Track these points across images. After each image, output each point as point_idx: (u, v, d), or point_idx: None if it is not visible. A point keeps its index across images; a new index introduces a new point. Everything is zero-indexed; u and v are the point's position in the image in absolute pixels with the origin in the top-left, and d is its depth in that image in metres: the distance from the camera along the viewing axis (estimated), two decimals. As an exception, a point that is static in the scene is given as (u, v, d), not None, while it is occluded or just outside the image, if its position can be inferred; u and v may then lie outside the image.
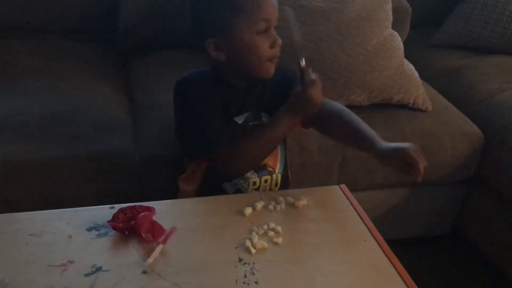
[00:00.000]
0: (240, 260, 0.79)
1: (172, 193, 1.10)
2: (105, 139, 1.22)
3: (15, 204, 1.14)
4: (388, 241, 0.86)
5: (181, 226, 0.84)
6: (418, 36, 1.81)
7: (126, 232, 0.82)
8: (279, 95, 1.04)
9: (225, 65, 0.99)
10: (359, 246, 0.85)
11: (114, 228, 0.82)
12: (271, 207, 0.91)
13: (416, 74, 1.47)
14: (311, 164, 1.33)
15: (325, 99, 1.03)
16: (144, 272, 0.76)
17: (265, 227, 0.86)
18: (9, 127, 1.22)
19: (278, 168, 1.07)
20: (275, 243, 0.83)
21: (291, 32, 0.96)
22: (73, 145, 1.19)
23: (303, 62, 0.97)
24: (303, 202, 0.93)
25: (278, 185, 1.08)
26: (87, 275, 0.75)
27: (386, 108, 1.42)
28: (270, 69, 0.99)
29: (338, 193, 0.97)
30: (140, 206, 0.86)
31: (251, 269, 0.78)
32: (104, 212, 0.86)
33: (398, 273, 0.80)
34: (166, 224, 0.83)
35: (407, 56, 1.48)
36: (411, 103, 1.43)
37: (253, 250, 0.81)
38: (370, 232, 0.88)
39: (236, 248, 0.81)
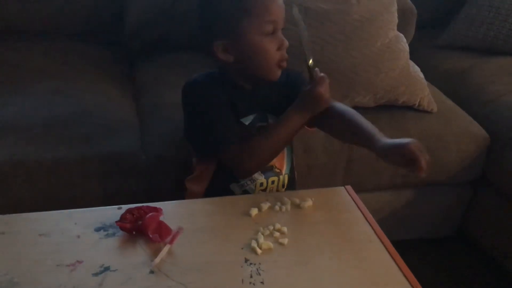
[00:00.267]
0: (246, 260, 0.80)
1: (179, 194, 1.11)
2: (113, 140, 1.23)
3: (24, 204, 1.15)
4: (394, 242, 0.86)
5: (187, 227, 0.84)
6: (424, 38, 1.81)
7: (134, 233, 0.83)
8: (285, 96, 1.05)
9: (232, 66, 1.00)
10: (365, 247, 0.85)
11: (121, 228, 0.83)
12: (277, 208, 0.92)
13: (422, 75, 1.47)
14: (317, 166, 1.33)
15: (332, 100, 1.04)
16: (151, 271, 0.76)
17: (271, 228, 0.86)
18: (18, 128, 1.23)
19: (284, 169, 1.08)
20: (281, 244, 0.83)
21: (299, 31, 0.97)
22: (81, 146, 1.21)
23: (310, 61, 0.98)
24: (308, 203, 0.93)
25: (285, 186, 1.08)
26: (95, 274, 0.75)
27: (391, 109, 1.42)
28: (277, 71, 1.00)
29: (343, 194, 0.98)
30: (147, 206, 0.86)
31: (257, 269, 0.78)
32: (112, 212, 0.87)
33: (404, 274, 0.80)
34: (173, 225, 0.83)
35: (413, 57, 1.48)
36: (417, 104, 1.43)
37: (259, 251, 0.81)
38: (376, 233, 0.88)
39: (242, 248, 0.82)
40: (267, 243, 0.83)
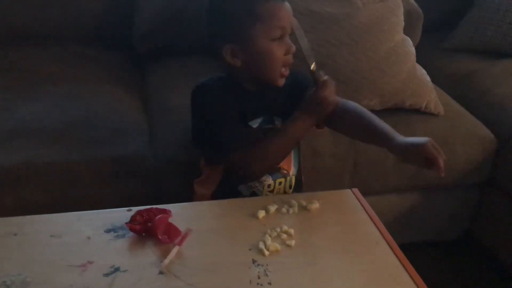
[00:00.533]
0: (254, 261, 0.81)
1: (188, 196, 1.12)
2: (122, 143, 1.25)
3: (36, 206, 1.16)
4: (401, 245, 0.87)
5: (196, 228, 0.85)
6: (430, 41, 1.81)
7: (143, 234, 0.84)
8: (292, 98, 1.06)
9: (240, 71, 1.01)
10: (371, 249, 0.86)
11: (131, 230, 0.84)
12: (284, 210, 0.92)
13: (428, 78, 1.48)
14: (324, 169, 1.34)
15: (340, 98, 1.05)
16: (161, 272, 0.77)
17: (278, 229, 0.87)
18: (30, 132, 1.25)
19: (292, 171, 1.09)
20: (288, 246, 0.84)
21: (298, 37, 0.98)
22: (91, 149, 1.22)
23: (313, 66, 0.99)
24: (315, 205, 0.94)
25: (292, 188, 1.09)
26: (105, 275, 0.77)
27: (398, 112, 1.42)
28: (284, 75, 1.01)
29: (350, 197, 0.98)
30: (156, 208, 0.88)
31: (265, 270, 0.79)
32: (122, 214, 0.88)
33: (410, 276, 0.80)
34: (181, 226, 0.84)
35: (419, 60, 1.49)
36: (423, 107, 1.44)
37: (266, 252, 0.82)
38: (382, 235, 0.88)
39: (249, 250, 0.83)
40: (275, 245, 0.83)
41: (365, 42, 1.38)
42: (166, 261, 0.79)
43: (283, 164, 1.07)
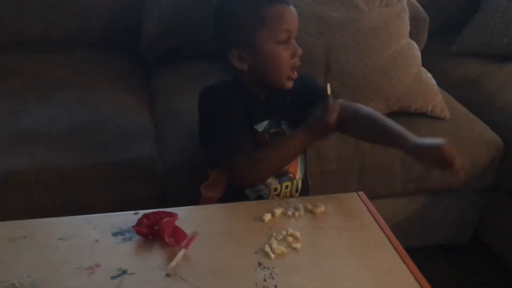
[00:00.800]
0: (260, 264, 0.81)
1: (195, 200, 1.12)
2: (129, 147, 1.26)
3: (44, 210, 1.18)
4: (408, 249, 0.86)
5: (202, 231, 0.86)
6: (436, 45, 1.81)
7: (150, 237, 0.85)
8: (298, 102, 1.06)
9: (247, 74, 1.01)
10: (377, 253, 0.86)
11: (138, 233, 0.85)
12: (290, 213, 0.93)
13: (434, 82, 1.48)
14: (330, 173, 1.34)
15: (351, 103, 1.05)
16: (168, 275, 0.78)
17: (284, 232, 0.87)
18: (38, 136, 1.26)
19: (298, 174, 1.09)
20: (294, 249, 0.84)
21: (327, 61, 0.97)
22: (99, 153, 1.23)
23: (329, 89, 0.97)
24: (321, 208, 0.94)
25: (299, 191, 1.10)
26: (113, 277, 0.77)
27: (404, 116, 1.42)
28: (292, 78, 1.01)
29: (356, 200, 0.98)
30: (163, 211, 0.88)
31: (271, 273, 0.79)
32: (129, 217, 0.89)
33: (417, 280, 0.80)
34: (188, 229, 0.85)
35: (426, 64, 1.49)
36: (429, 111, 1.44)
37: (272, 255, 0.82)
38: (388, 238, 0.88)
39: (256, 253, 0.83)
40: (281, 248, 0.84)
41: (371, 46, 1.38)
42: (173, 263, 0.79)
43: (289, 168, 1.07)
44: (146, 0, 1.65)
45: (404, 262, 0.83)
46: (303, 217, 0.93)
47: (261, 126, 1.04)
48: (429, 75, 1.48)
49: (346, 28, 1.37)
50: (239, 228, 0.90)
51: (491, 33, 1.76)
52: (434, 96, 1.44)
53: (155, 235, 0.84)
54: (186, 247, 0.82)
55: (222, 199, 1.07)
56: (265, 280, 0.78)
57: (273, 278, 0.79)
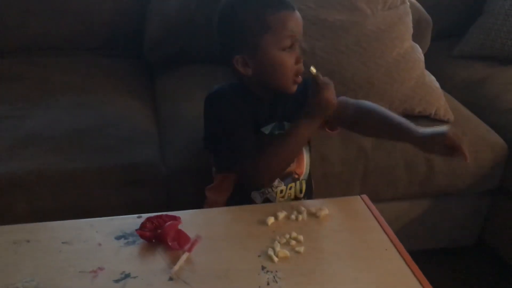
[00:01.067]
0: (263, 268, 0.81)
1: (198, 203, 1.13)
2: (133, 151, 1.26)
3: (47, 213, 1.18)
4: (412, 252, 0.86)
5: (205, 235, 0.86)
6: (440, 48, 1.81)
7: (153, 241, 0.85)
8: (302, 104, 1.06)
9: (251, 79, 1.02)
10: (381, 256, 0.85)
11: (141, 236, 0.85)
12: (293, 217, 0.92)
13: (437, 85, 1.47)
14: (333, 175, 1.34)
15: (353, 100, 1.05)
16: (171, 278, 0.78)
17: (287, 236, 0.87)
18: (42, 140, 1.26)
19: (303, 175, 1.09)
20: (297, 252, 0.84)
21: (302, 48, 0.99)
22: (103, 157, 1.23)
23: (313, 69, 0.99)
24: (324, 212, 0.94)
25: (303, 192, 1.10)
26: (116, 281, 0.77)
27: (407, 119, 1.41)
28: (293, 86, 1.01)
29: (359, 203, 0.98)
30: (166, 215, 0.88)
31: (274, 276, 0.79)
32: (132, 221, 0.89)
33: (420, 283, 0.80)
34: (191, 233, 0.85)
35: (429, 67, 1.49)
36: (433, 114, 1.43)
37: (275, 259, 0.82)
38: (392, 242, 0.88)
39: (259, 256, 0.83)
40: (284, 251, 0.84)
41: (374, 49, 1.38)
42: (176, 267, 0.79)
43: (296, 168, 1.07)
44: (150, 4, 1.66)
45: (408, 266, 0.83)
46: (307, 221, 0.92)
47: (267, 129, 1.04)
48: (433, 78, 1.48)
49: (350, 32, 1.38)
50: (242, 231, 0.90)
51: (495, 36, 1.76)
52: (437, 99, 1.44)
53: (158, 238, 0.84)
54: (189, 250, 0.82)
55: (228, 204, 1.07)
56: (268, 284, 0.78)
57: (276, 282, 0.78)
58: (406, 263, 0.84)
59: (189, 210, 0.95)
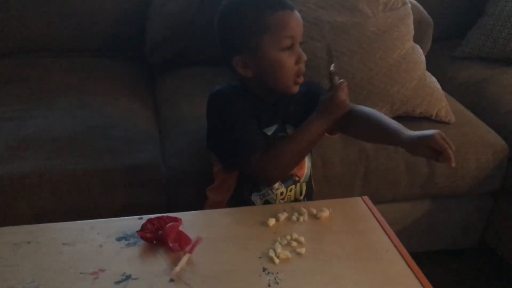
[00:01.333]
0: (264, 269, 0.81)
1: (199, 204, 1.12)
2: (134, 153, 1.26)
3: (48, 215, 1.18)
4: (413, 254, 0.86)
5: (206, 236, 0.86)
6: (441, 49, 1.81)
7: (154, 242, 0.85)
8: (305, 107, 1.06)
9: (252, 80, 1.02)
10: (382, 257, 0.85)
11: (142, 238, 0.85)
12: (294, 218, 0.93)
13: (438, 86, 1.47)
14: (334, 177, 1.34)
15: (352, 104, 1.05)
16: (172, 280, 0.78)
17: (289, 237, 0.87)
18: (42, 141, 1.26)
19: (303, 177, 1.09)
20: (298, 254, 0.84)
21: (326, 40, 0.98)
22: (103, 158, 1.23)
23: (332, 66, 0.99)
24: (325, 213, 0.94)
25: (303, 194, 1.10)
26: (117, 282, 0.77)
27: (408, 120, 1.41)
28: (294, 86, 1.01)
29: (360, 205, 0.98)
30: (167, 216, 0.88)
31: (275, 278, 0.79)
32: (133, 222, 0.89)
33: (422, 285, 0.80)
34: (192, 234, 0.85)
35: (430, 69, 1.48)
36: (434, 115, 1.43)
37: (276, 260, 0.82)
38: (393, 243, 0.88)
39: (260, 257, 0.83)
40: (285, 253, 0.84)
41: (375, 50, 1.38)
42: (177, 268, 0.79)
43: (296, 171, 1.07)
44: (151, 5, 1.66)
45: (410, 267, 0.83)
46: (308, 222, 0.92)
47: (270, 130, 1.05)
48: (434, 79, 1.48)
49: (351, 33, 1.38)
50: (243, 233, 0.90)
51: (496, 37, 1.76)
52: (438, 100, 1.44)
53: (159, 240, 0.84)
54: (190, 252, 0.82)
55: (228, 205, 1.07)
56: (269, 285, 0.78)
57: (277, 283, 0.78)
58: (408, 264, 0.84)
59: (190, 211, 0.95)
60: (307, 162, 1.10)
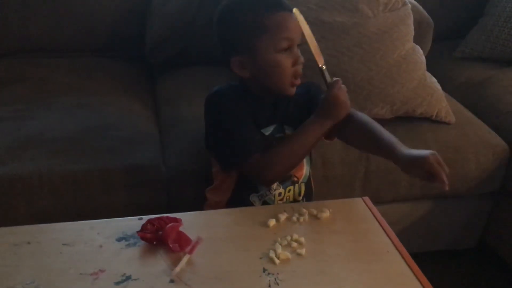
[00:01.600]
0: (265, 270, 0.81)
1: (199, 204, 1.12)
2: (134, 153, 1.26)
3: (48, 215, 1.18)
4: (413, 254, 0.86)
5: (206, 237, 0.86)
6: (441, 49, 1.81)
7: (154, 242, 0.85)
8: (305, 108, 1.06)
9: (250, 81, 1.02)
10: (382, 258, 0.85)
11: (142, 238, 0.85)
12: (294, 218, 0.92)
13: (439, 86, 1.47)
14: (334, 177, 1.34)
15: (352, 109, 1.05)
16: (172, 281, 0.78)
17: (289, 238, 0.87)
18: (43, 142, 1.26)
19: (302, 178, 1.09)
20: (299, 254, 0.84)
21: (304, 32, 0.98)
22: (103, 158, 1.23)
23: (322, 64, 0.99)
24: (326, 214, 0.94)
25: (302, 195, 1.09)
26: (117, 283, 0.77)
27: (409, 121, 1.42)
28: (294, 84, 1.01)
29: (361, 205, 0.98)
30: (167, 217, 0.88)
31: (275, 279, 0.79)
32: (133, 223, 0.89)
33: (422, 285, 0.80)
34: (192, 235, 0.85)
35: (430, 69, 1.48)
36: (434, 115, 1.43)
37: (277, 261, 0.82)
38: (394, 244, 0.88)
39: (260, 258, 0.83)
40: (285, 253, 0.84)
41: (375, 51, 1.38)
42: (177, 269, 0.79)
43: (295, 172, 1.07)
44: (151, 5, 1.66)
45: (410, 268, 0.83)
46: (308, 223, 0.92)
47: (267, 130, 1.04)
48: (434, 79, 1.48)
49: (351, 33, 1.37)
50: (243, 233, 0.89)
51: (496, 37, 1.76)
52: (439, 100, 1.44)
53: (159, 240, 0.84)
54: (190, 252, 0.82)
55: (228, 205, 1.07)
56: (269, 286, 0.78)
57: (277, 284, 0.78)
58: (408, 265, 0.84)
59: (190, 211, 0.95)
60: (305, 162, 1.09)
